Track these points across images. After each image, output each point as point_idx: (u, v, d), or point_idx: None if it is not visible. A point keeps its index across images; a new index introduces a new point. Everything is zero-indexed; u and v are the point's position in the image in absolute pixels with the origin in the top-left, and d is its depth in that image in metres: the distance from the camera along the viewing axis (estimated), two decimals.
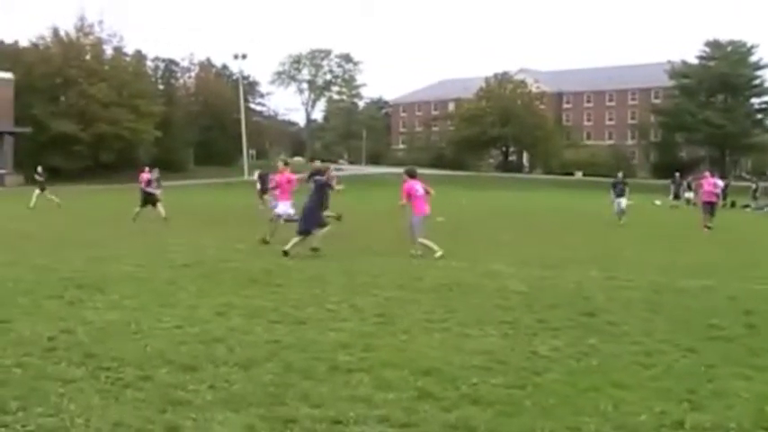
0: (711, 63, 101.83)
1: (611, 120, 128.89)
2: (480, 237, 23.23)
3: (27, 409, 6.19)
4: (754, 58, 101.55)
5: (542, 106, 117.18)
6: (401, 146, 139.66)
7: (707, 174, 31.32)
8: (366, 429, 6.03)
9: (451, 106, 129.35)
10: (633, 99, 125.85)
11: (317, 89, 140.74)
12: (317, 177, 19.69)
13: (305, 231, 17.65)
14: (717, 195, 29.64)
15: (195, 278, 13.51)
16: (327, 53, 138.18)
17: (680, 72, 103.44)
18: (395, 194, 27.76)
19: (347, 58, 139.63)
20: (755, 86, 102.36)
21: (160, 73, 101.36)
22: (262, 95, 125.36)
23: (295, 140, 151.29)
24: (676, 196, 48.07)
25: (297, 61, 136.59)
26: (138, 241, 19.78)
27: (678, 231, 27.35)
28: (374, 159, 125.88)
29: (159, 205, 27.35)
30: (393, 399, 6.67)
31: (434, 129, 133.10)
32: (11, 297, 11.16)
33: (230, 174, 77.62)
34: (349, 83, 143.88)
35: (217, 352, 8.14)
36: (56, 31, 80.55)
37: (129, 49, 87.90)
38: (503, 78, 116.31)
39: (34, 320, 9.52)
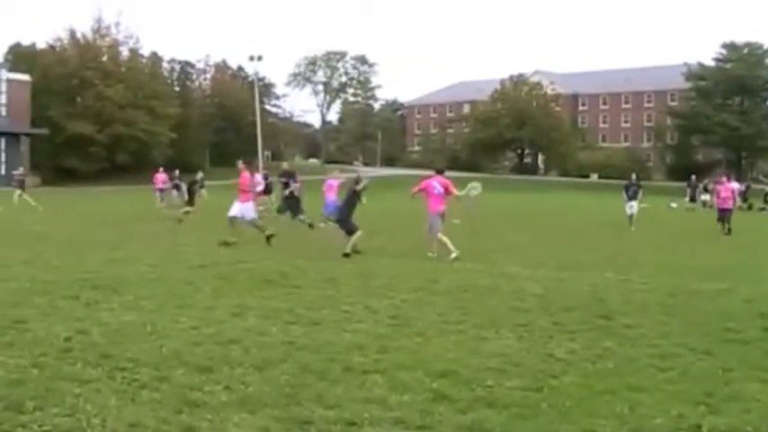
0: (728, 65, 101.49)
1: (626, 122, 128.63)
2: (496, 239, 23.18)
3: (43, 409, 6.20)
4: None
5: (558, 108, 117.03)
6: (416, 148, 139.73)
7: (724, 179, 30.41)
8: (381, 431, 6.02)
9: (466, 108, 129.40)
10: (649, 101, 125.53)
11: (333, 91, 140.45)
12: (283, 179, 20.60)
13: (350, 232, 18.05)
14: (733, 201, 28.91)
15: (211, 279, 13.53)
16: (343, 55, 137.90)
17: (696, 74, 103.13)
18: (409, 197, 27.80)
19: (362, 59, 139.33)
20: None
21: (176, 75, 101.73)
22: (277, 97, 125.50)
23: (310, 142, 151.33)
24: (692, 199, 47.79)
25: (312, 63, 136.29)
26: (153, 242, 19.82)
27: (694, 234, 27.23)
28: (389, 161, 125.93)
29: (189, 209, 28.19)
30: (408, 401, 6.66)
31: (449, 131, 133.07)
32: (27, 297, 11.20)
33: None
34: (364, 85, 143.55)
35: (232, 353, 8.15)
36: (72, 33, 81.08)
37: (146, 51, 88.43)
38: (518, 80, 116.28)
39: (50, 321, 9.55)
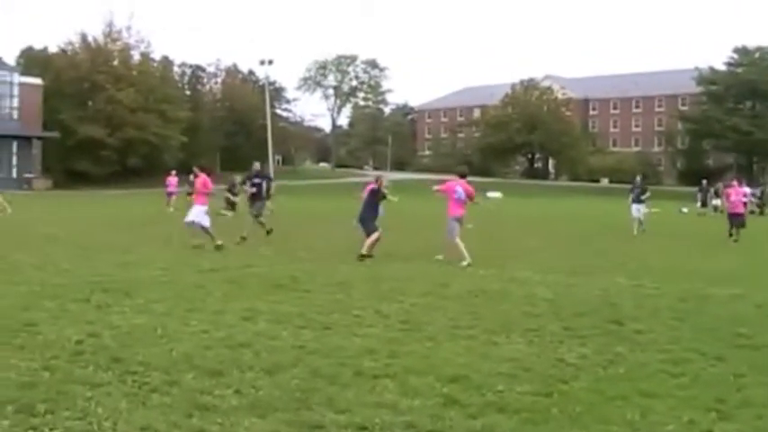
0: (739, 69, 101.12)
1: (637, 126, 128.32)
2: (506, 243, 23.16)
3: (55, 413, 6.21)
4: None
5: (568, 113, 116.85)
6: (426, 152, 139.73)
7: (734, 183, 29.58)
8: None
9: (477, 113, 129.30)
10: (660, 106, 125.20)
11: (343, 95, 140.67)
12: (254, 181, 20.65)
13: (369, 233, 18.24)
14: (745, 205, 28.21)
15: (221, 283, 13.54)
16: (353, 59, 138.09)
17: (707, 78, 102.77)
18: (420, 200, 27.79)
19: (373, 64, 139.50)
20: None
21: (187, 78, 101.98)
22: (288, 101, 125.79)
23: (321, 146, 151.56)
24: (703, 204, 47.64)
25: (323, 67, 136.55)
26: (164, 245, 19.86)
27: (705, 239, 27.13)
28: (399, 165, 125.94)
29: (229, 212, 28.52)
30: (419, 405, 6.65)
31: (460, 135, 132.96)
32: (38, 301, 11.23)
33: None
34: (375, 89, 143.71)
35: (243, 357, 8.15)
36: (84, 37, 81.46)
37: (156, 55, 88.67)
38: (528, 85, 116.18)
39: (61, 324, 9.56)
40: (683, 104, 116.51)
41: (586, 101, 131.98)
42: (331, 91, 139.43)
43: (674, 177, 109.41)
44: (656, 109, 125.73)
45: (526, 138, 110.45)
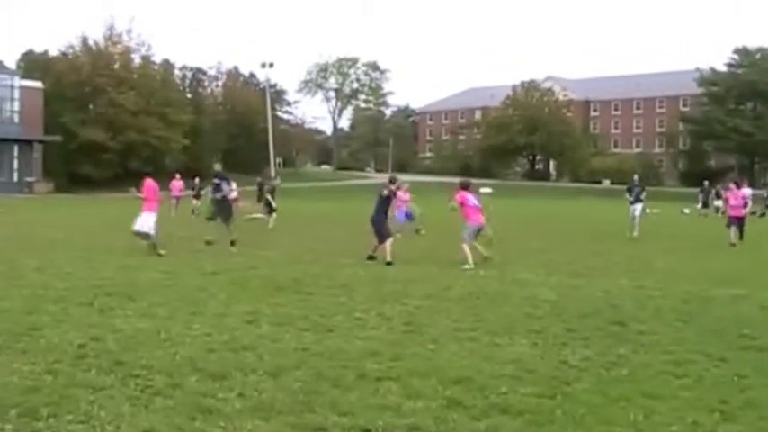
0: (740, 70, 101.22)
1: (638, 128, 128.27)
2: (508, 245, 23.13)
3: (58, 416, 6.22)
4: None
5: (569, 114, 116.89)
6: (428, 154, 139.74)
7: (732, 186, 28.45)
8: None
9: (478, 114, 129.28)
10: (661, 107, 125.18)
11: (344, 97, 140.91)
12: (215, 182, 20.54)
13: (383, 238, 18.23)
14: (745, 207, 27.50)
15: (224, 286, 13.55)
16: (354, 62, 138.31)
17: (708, 80, 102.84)
18: (422, 202, 27.74)
19: (374, 66, 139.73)
20: None
21: (188, 82, 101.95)
22: (289, 104, 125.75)
23: (322, 149, 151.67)
24: (705, 205, 47.66)
25: (324, 69, 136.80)
26: (167, 249, 19.84)
27: (707, 240, 27.08)
28: (401, 167, 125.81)
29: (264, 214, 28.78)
30: (422, 407, 6.65)
31: (461, 137, 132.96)
32: (41, 304, 11.24)
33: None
34: (376, 91, 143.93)
35: (246, 360, 8.15)
36: (85, 41, 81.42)
37: (157, 58, 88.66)
38: (529, 86, 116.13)
39: (64, 328, 9.58)
40: (685, 106, 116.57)
41: (587, 102, 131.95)
42: (332, 93, 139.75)
43: (676, 178, 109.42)
44: (658, 110, 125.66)
45: (527, 139, 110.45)
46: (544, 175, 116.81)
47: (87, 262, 16.97)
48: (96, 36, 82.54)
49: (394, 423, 6.24)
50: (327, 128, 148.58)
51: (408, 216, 26.94)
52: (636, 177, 30.76)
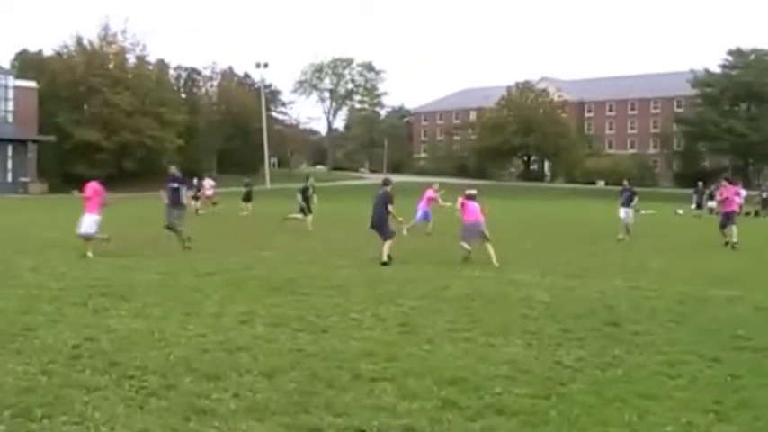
0: (734, 72, 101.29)
1: (633, 129, 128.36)
2: (504, 246, 23.12)
3: (52, 417, 6.22)
4: None
5: (564, 115, 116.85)
6: (423, 155, 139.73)
7: (725, 183, 28.28)
8: None
9: (473, 115, 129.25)
10: (656, 108, 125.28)
11: (339, 98, 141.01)
12: (170, 186, 20.08)
13: (387, 238, 18.25)
14: (739, 205, 27.25)
15: (219, 286, 13.53)
16: (349, 62, 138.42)
17: (703, 81, 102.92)
18: (416, 203, 27.77)
19: (369, 67, 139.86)
20: None
21: (182, 82, 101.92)
22: (284, 104, 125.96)
23: (317, 149, 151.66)
24: (699, 206, 47.75)
25: (319, 70, 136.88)
26: (161, 249, 19.83)
27: (702, 241, 27.09)
28: (396, 168, 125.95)
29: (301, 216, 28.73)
30: (417, 408, 6.65)
31: (456, 138, 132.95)
32: (35, 304, 11.23)
33: (253, 182, 77.72)
34: (371, 92, 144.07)
35: (241, 360, 8.15)
36: (79, 41, 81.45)
37: (152, 58, 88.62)
38: (524, 87, 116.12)
39: (59, 328, 9.56)
40: (679, 107, 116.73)
41: (582, 103, 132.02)
42: (327, 94, 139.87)
43: (670, 179, 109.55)
44: (652, 111, 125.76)
45: (522, 140, 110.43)
46: (539, 176, 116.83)
47: (81, 262, 16.96)
48: (91, 36, 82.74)
49: (389, 424, 6.25)
50: (322, 128, 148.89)
51: (426, 217, 27.41)
52: (626, 182, 30.74)
